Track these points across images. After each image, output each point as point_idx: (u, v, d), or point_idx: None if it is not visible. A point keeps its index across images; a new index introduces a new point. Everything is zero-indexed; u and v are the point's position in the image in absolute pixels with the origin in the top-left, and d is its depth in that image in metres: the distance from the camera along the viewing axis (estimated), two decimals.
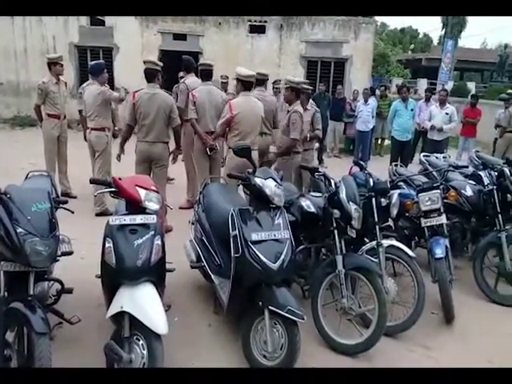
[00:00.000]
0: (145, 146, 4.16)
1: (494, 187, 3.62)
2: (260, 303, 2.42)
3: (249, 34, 11.02)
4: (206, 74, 4.69)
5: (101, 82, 4.90)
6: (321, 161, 8.64)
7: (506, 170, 3.71)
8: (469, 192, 3.77)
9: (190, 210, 4.32)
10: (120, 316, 2.18)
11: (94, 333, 2.68)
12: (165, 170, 4.34)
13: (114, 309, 2.19)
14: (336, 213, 2.83)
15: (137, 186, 2.42)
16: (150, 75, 4.13)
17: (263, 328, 2.42)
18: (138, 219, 2.34)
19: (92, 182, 2.57)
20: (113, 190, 2.42)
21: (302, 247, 3.12)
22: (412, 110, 7.25)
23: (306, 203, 3.15)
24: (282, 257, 2.44)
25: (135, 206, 2.39)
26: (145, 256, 2.24)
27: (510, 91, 8.23)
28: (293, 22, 10.93)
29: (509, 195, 3.61)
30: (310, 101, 5.13)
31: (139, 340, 2.16)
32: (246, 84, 4.06)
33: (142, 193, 2.39)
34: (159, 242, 2.34)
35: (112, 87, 9.75)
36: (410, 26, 43.13)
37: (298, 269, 3.04)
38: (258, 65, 10.67)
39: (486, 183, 3.75)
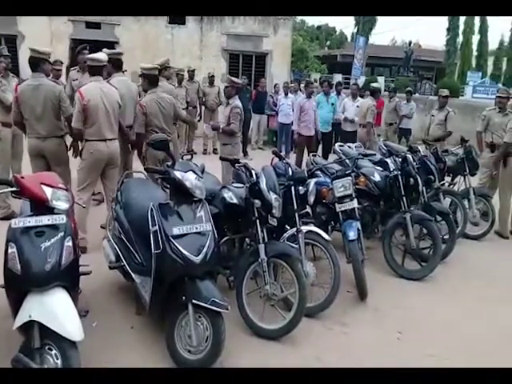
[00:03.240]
0: (35, 141, 3.84)
1: (399, 172, 3.96)
2: (183, 298, 2.39)
3: (168, 24, 10.71)
4: (116, 65, 4.44)
5: None
6: (245, 153, 8.76)
7: (409, 156, 4.08)
8: (377, 178, 4.09)
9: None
10: (29, 326, 2.01)
11: (1, 346, 2.44)
12: (64, 167, 3.98)
13: (22, 319, 2.03)
14: (257, 203, 2.88)
15: (42, 184, 2.23)
16: (33, 64, 3.77)
17: (187, 323, 2.40)
18: (45, 220, 2.17)
19: None
20: (14, 189, 2.21)
21: (225, 238, 3.14)
22: (333, 104, 7.67)
23: (228, 195, 3.17)
24: (205, 249, 2.43)
25: (41, 206, 2.21)
26: (54, 260, 2.09)
27: (408, 88, 9.16)
28: None
29: (411, 179, 3.98)
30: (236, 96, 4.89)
31: (52, 350, 2.02)
32: (149, 77, 4.04)
33: (49, 191, 2.21)
34: (70, 244, 2.19)
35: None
36: (326, 23, 45.27)
37: (222, 260, 3.05)
38: (179, 56, 10.47)
39: (391, 169, 4.09)
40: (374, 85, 7.76)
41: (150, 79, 4.12)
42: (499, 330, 3.10)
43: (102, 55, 3.85)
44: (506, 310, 3.38)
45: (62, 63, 6.22)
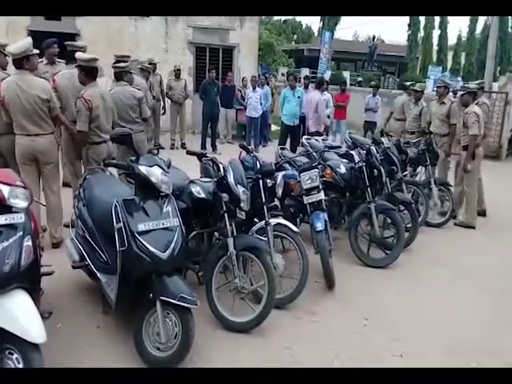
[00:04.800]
0: None
1: (363, 164, 4.06)
2: (151, 295, 2.36)
3: (132, 16, 10.41)
4: (70, 57, 4.30)
5: None
6: (214, 147, 8.71)
7: (373, 148, 4.20)
8: (342, 169, 4.18)
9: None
10: None
11: None
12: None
13: None
14: (225, 196, 2.87)
15: None
16: None
17: (156, 320, 2.37)
18: (2, 219, 2.07)
19: None
20: None
21: (194, 233, 3.11)
22: (299, 97, 7.74)
23: (195, 189, 3.14)
24: (172, 245, 2.40)
25: None
26: (13, 260, 2.01)
27: (372, 83, 9.47)
28: None
29: (375, 170, 4.09)
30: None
31: (12, 354, 1.94)
32: (86, 69, 3.82)
33: (5, 189, 2.12)
34: (30, 243, 2.10)
35: None
36: (293, 18, 45.31)
37: (191, 255, 3.03)
38: (144, 49, 10.22)
39: (356, 161, 4.19)
40: (408, 83, 7.84)
41: (87, 71, 3.85)
42: (459, 313, 3.26)
43: (12, 47, 3.53)
44: (465, 294, 3.55)
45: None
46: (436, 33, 30.39)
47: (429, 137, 5.32)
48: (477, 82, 6.00)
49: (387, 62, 28.47)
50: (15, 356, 1.94)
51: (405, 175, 4.98)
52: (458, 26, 34.29)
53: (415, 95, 6.33)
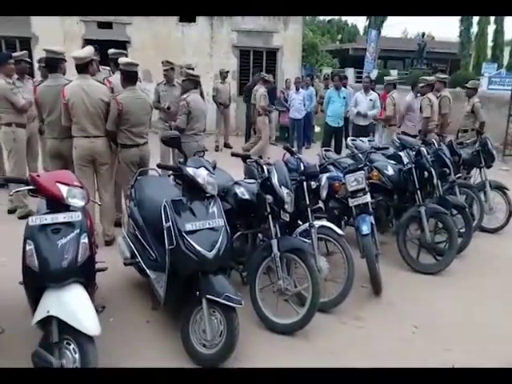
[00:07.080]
0: (53, 142, 3.93)
1: (413, 166, 3.91)
2: (197, 293, 2.42)
3: (179, 22, 10.77)
4: (115, 64, 4.48)
5: (5, 72, 4.52)
6: None
7: (423, 149, 4.03)
8: (390, 171, 4.05)
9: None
10: (47, 321, 2.06)
11: (21, 342, 2.50)
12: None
13: (41, 314, 2.08)
14: (269, 198, 2.88)
15: (58, 182, 2.28)
16: (51, 65, 3.84)
17: (202, 317, 2.43)
18: (61, 217, 2.21)
19: (6, 180, 2.38)
20: (30, 188, 2.26)
21: (238, 234, 3.15)
22: (344, 97, 7.62)
23: (240, 190, 3.18)
24: (218, 245, 2.45)
25: (57, 204, 2.26)
26: (70, 256, 2.14)
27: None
28: None
29: (426, 172, 3.92)
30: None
31: (70, 344, 2.06)
32: (125, 73, 3.91)
33: (64, 189, 2.26)
34: (86, 241, 2.23)
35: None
36: (339, 17, 44.57)
37: (235, 256, 3.07)
38: (190, 54, 10.53)
39: (405, 162, 4.04)
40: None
41: (126, 75, 3.92)
42: None
43: (78, 53, 3.74)
44: None
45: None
46: (491, 28, 28.61)
47: (484, 137, 5.02)
48: (437, 75, 6.67)
49: (438, 60, 27.21)
50: (72, 346, 2.07)
51: (458, 177, 4.73)
52: None
53: (467, 92, 6.16)
